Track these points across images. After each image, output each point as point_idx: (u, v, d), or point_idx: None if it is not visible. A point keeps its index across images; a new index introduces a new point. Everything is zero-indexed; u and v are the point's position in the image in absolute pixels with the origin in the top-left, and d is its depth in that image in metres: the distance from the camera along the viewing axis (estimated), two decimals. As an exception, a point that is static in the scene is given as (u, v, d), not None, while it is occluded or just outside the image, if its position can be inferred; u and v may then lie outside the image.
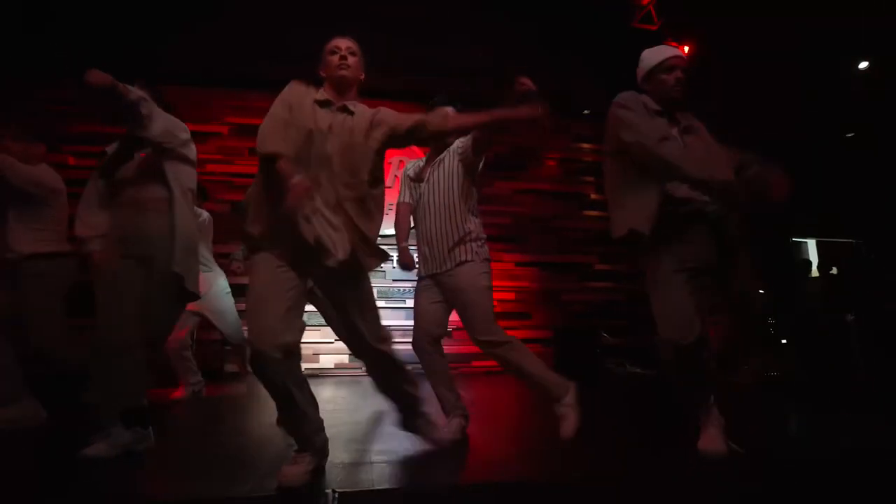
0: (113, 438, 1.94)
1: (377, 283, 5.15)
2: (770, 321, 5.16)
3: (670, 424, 2.62)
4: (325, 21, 4.63)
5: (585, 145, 5.99)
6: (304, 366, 4.91)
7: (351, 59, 1.82)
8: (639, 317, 5.56)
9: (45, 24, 4.37)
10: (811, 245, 7.20)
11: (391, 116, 1.82)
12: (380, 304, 1.99)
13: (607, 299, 5.66)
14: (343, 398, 3.44)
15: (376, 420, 2.70)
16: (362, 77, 1.89)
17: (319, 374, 4.82)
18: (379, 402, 2.71)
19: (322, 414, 2.86)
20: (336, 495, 1.47)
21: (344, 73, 1.79)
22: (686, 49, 4.74)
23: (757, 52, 4.71)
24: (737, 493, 1.68)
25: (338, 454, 1.98)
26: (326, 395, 3.72)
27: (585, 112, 5.84)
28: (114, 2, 4.39)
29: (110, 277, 2.08)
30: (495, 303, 2.44)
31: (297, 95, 1.76)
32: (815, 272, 6.02)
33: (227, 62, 4.98)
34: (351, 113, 1.79)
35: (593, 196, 5.94)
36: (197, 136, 5.52)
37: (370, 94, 2.20)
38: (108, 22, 4.53)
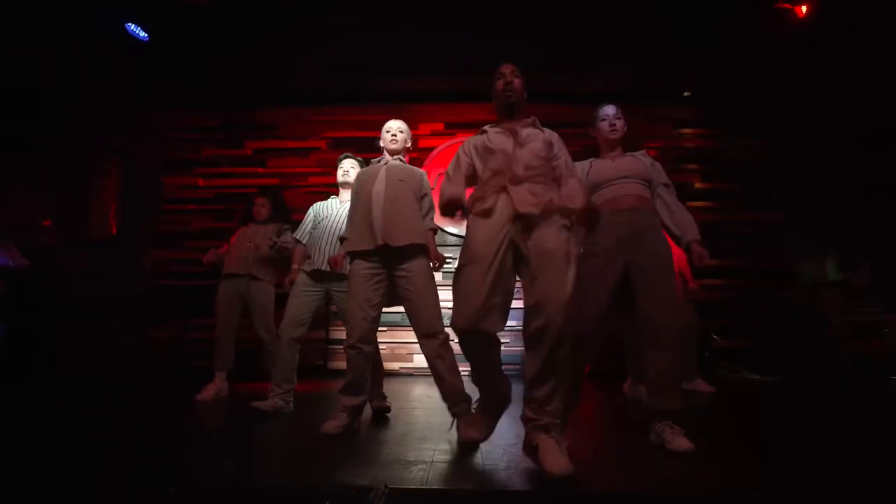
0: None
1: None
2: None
3: (785, 436, 2.30)
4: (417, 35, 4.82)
5: (687, 130, 5.46)
6: (398, 364, 5.09)
7: (516, 82, 2.04)
8: (758, 318, 4.94)
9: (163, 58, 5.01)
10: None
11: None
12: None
13: (718, 297, 5.12)
14: (428, 398, 3.50)
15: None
16: (524, 97, 2.09)
17: (414, 374, 4.97)
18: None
19: (403, 412, 2.96)
20: (387, 490, 1.51)
21: (510, 99, 2.03)
22: (804, 10, 4.12)
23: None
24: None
25: (403, 451, 2.02)
26: (416, 394, 3.83)
27: (686, 94, 5.34)
28: (223, 39, 4.93)
29: None
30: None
31: (473, 142, 2.08)
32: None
33: (321, 81, 5.36)
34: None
35: (698, 185, 5.40)
36: (299, 152, 5.93)
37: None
38: (215, 54, 5.10)
